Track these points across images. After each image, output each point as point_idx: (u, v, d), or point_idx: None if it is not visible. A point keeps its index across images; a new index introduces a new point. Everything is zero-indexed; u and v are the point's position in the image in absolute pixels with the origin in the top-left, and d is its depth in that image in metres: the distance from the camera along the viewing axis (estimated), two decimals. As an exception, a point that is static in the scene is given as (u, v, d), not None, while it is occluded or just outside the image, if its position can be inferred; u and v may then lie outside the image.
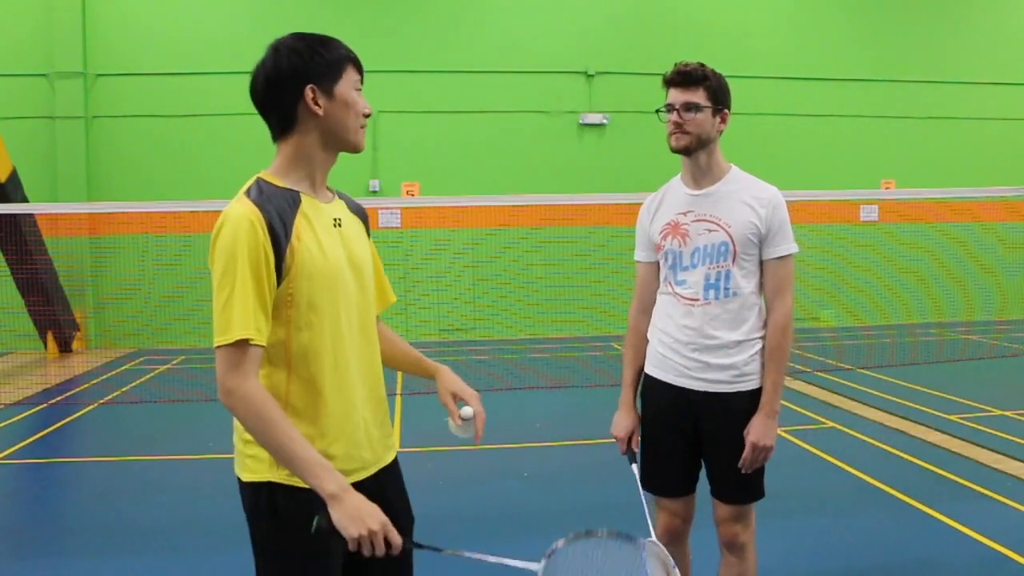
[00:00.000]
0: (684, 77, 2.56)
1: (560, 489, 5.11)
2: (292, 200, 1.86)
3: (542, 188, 12.07)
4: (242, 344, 1.73)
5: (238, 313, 1.73)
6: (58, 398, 8.34)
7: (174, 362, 10.31)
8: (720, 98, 2.58)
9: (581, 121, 13.01)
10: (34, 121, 11.91)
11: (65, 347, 11.25)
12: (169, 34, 11.99)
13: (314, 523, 1.72)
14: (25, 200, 10.57)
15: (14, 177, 10.33)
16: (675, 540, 2.79)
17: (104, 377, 9.52)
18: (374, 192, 12.49)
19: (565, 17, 12.95)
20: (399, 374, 9.52)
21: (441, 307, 12.07)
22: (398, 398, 7.82)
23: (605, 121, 12.95)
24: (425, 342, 12.07)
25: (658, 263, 2.75)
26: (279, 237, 1.78)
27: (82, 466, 5.96)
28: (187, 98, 11.81)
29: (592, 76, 12.96)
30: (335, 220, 1.96)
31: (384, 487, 2.00)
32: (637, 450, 2.78)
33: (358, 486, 1.86)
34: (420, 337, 12.25)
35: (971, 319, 13.42)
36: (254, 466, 1.86)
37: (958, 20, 13.96)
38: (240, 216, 1.76)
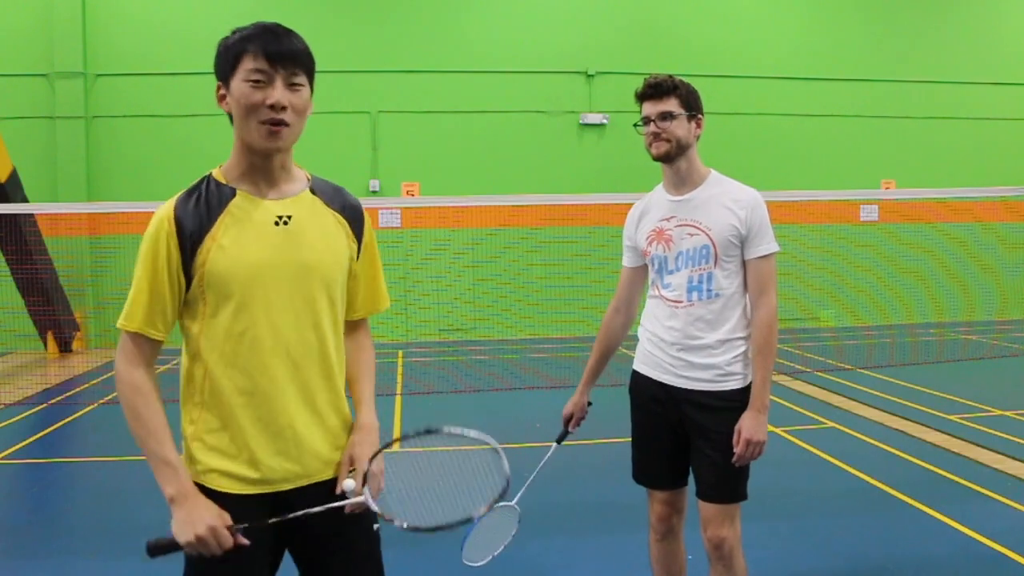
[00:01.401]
0: (656, 89, 2.67)
1: (560, 489, 5.10)
2: (224, 199, 1.84)
3: (542, 188, 12.07)
4: (128, 334, 1.82)
5: (128, 304, 1.82)
6: (58, 398, 8.34)
7: (174, 362, 10.24)
8: (692, 104, 2.69)
9: (581, 121, 13.01)
10: (34, 121, 11.91)
11: (65, 347, 11.25)
12: (169, 34, 11.99)
13: (152, 544, 1.74)
14: (25, 200, 10.58)
15: (14, 177, 10.33)
16: (669, 533, 2.87)
17: (104, 377, 9.52)
18: (374, 192, 12.49)
19: (565, 17, 12.95)
20: (399, 374, 9.53)
21: (441, 307, 12.08)
22: (398, 398, 7.82)
23: (605, 121, 12.95)
24: (425, 342, 12.08)
25: (642, 267, 2.88)
26: (187, 237, 1.79)
27: (82, 466, 5.96)
28: (187, 98, 11.81)
29: (592, 76, 12.96)
30: (280, 218, 1.86)
31: (328, 502, 1.86)
32: (571, 432, 3.00)
33: (290, 495, 1.86)
34: (420, 337, 12.26)
35: (971, 319, 13.42)
36: (185, 461, 1.89)
37: (958, 20, 13.96)
38: (157, 216, 1.82)
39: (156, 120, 12.14)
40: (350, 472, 1.91)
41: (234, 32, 1.83)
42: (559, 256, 12.02)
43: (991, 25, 14.03)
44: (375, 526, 1.98)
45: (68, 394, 8.53)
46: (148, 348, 1.84)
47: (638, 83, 2.76)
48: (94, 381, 9.29)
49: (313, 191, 1.94)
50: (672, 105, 2.66)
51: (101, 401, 8.10)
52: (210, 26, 11.83)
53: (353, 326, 2.12)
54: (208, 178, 1.89)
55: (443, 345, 11.83)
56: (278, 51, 1.76)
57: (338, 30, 12.44)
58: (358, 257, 2.02)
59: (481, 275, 12.04)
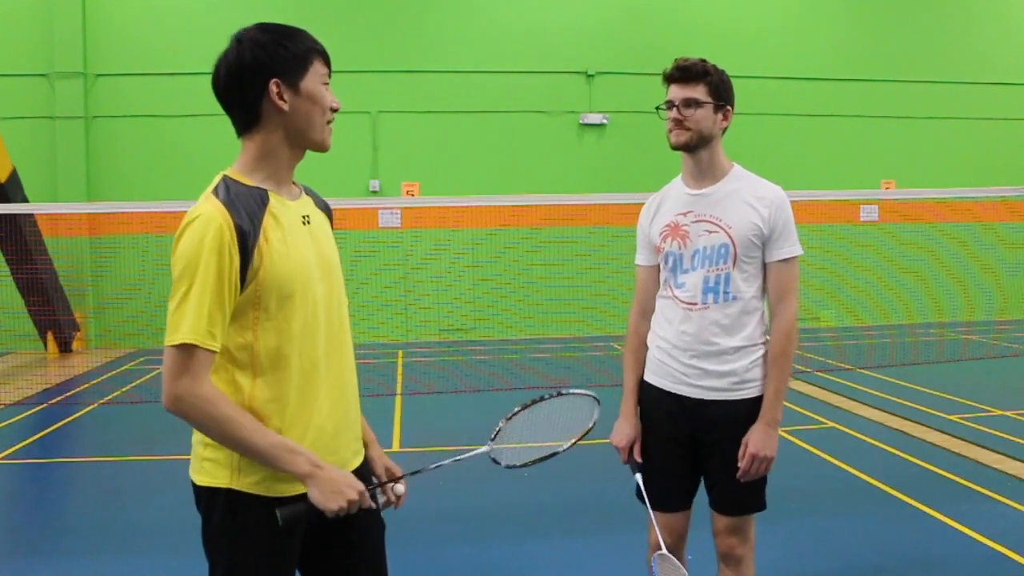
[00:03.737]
0: (684, 72, 2.47)
1: (560, 489, 5.10)
2: (260, 199, 1.80)
3: (542, 188, 12.07)
4: (190, 348, 1.69)
5: (191, 316, 1.69)
6: (58, 398, 8.34)
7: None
8: (722, 94, 2.49)
9: (581, 121, 13.01)
10: (34, 121, 11.91)
11: (65, 347, 11.25)
12: (169, 34, 11.99)
13: (278, 517, 1.73)
14: (25, 200, 10.58)
15: (14, 177, 10.33)
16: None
17: (104, 377, 9.52)
18: (374, 192, 12.49)
19: (565, 17, 12.95)
20: (399, 374, 9.52)
21: (441, 307, 12.08)
22: (398, 398, 7.81)
23: (605, 121, 12.95)
24: (425, 342, 12.08)
25: (658, 266, 2.66)
26: (247, 239, 1.74)
27: (82, 466, 5.96)
28: (187, 98, 11.80)
29: (592, 76, 12.96)
30: (304, 217, 1.89)
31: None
32: (640, 460, 2.68)
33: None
34: (420, 337, 12.26)
35: (971, 319, 13.42)
36: (213, 470, 1.81)
37: (958, 20, 13.96)
38: (209, 217, 1.71)
39: (156, 120, 12.14)
40: (393, 480, 2.04)
41: (280, 32, 1.84)
42: (559, 256, 12.02)
43: (991, 25, 14.03)
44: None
45: (68, 394, 8.53)
46: (206, 361, 1.72)
47: (638, 83, 2.66)
48: (94, 381, 9.29)
49: (306, 192, 2.00)
50: (699, 92, 2.45)
51: (101, 401, 8.10)
52: (210, 26, 11.88)
53: None
54: (227, 180, 1.82)
55: (443, 345, 11.83)
56: (330, 61, 1.90)
57: (338, 30, 12.43)
58: None
59: (481, 275, 12.04)
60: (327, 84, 1.87)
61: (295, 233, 1.84)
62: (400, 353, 11.01)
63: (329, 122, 1.87)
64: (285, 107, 1.80)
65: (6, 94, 11.82)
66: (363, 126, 12.50)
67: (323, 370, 1.88)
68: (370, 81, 12.46)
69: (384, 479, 2.04)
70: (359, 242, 11.47)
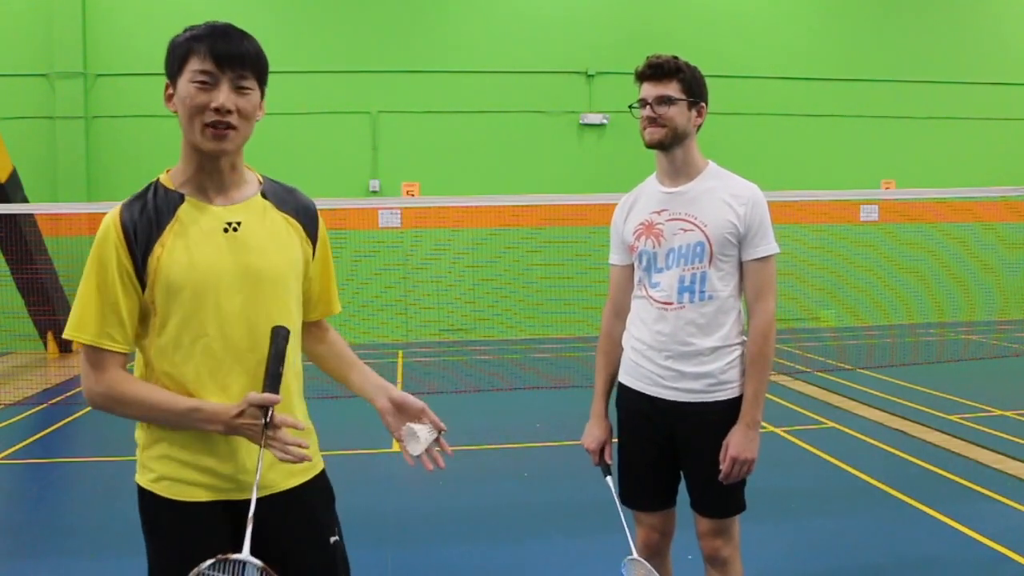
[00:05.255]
0: (656, 70, 2.44)
1: (560, 489, 5.11)
2: (172, 205, 1.77)
3: (542, 188, 12.07)
4: (87, 347, 1.75)
5: (80, 316, 1.75)
6: (58, 398, 8.35)
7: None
8: (695, 91, 2.46)
9: (581, 121, 13.01)
10: (34, 121, 11.91)
11: (65, 347, 11.25)
12: (169, 34, 11.78)
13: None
14: (25, 200, 10.58)
15: (14, 177, 10.33)
16: (655, 555, 2.68)
17: (104, 377, 9.51)
18: (374, 192, 12.48)
19: (565, 17, 12.95)
20: (399, 374, 9.52)
21: (442, 308, 12.07)
22: (398, 398, 7.78)
23: (605, 121, 12.94)
24: (426, 342, 12.07)
25: (632, 266, 2.63)
26: (137, 246, 1.72)
27: (82, 466, 5.96)
28: (187, 98, 11.78)
29: (592, 76, 12.96)
30: (229, 224, 1.79)
31: (283, 515, 1.87)
32: (611, 462, 2.68)
33: (237, 505, 1.81)
34: (421, 337, 12.26)
35: (972, 319, 13.42)
36: (140, 469, 1.89)
37: (958, 20, 13.96)
38: (105, 223, 1.75)
39: (156, 120, 12.10)
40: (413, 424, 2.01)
41: (185, 30, 1.80)
42: (560, 257, 12.02)
43: (991, 25, 14.03)
44: (332, 539, 1.96)
45: (68, 394, 8.53)
46: (113, 359, 1.76)
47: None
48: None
49: (264, 195, 1.88)
50: (672, 89, 2.43)
51: (101, 401, 8.09)
52: (210, 26, 11.88)
53: (319, 329, 2.10)
54: (155, 184, 1.81)
55: (444, 345, 11.83)
56: (226, 52, 1.72)
57: (338, 30, 12.45)
58: (313, 257, 1.96)
59: (482, 275, 12.04)
60: (204, 82, 1.71)
61: (206, 241, 1.76)
62: (400, 353, 11.01)
63: (210, 124, 1.71)
64: (173, 109, 1.78)
65: (6, 94, 11.82)
66: (363, 126, 12.50)
67: (235, 384, 1.78)
68: (370, 81, 12.46)
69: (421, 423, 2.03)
70: (359, 242, 11.48)
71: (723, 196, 2.47)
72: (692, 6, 13.20)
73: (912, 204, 13.20)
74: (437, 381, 8.78)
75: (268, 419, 1.72)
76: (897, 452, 5.80)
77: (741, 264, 2.50)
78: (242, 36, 1.76)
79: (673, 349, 2.49)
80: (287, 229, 1.89)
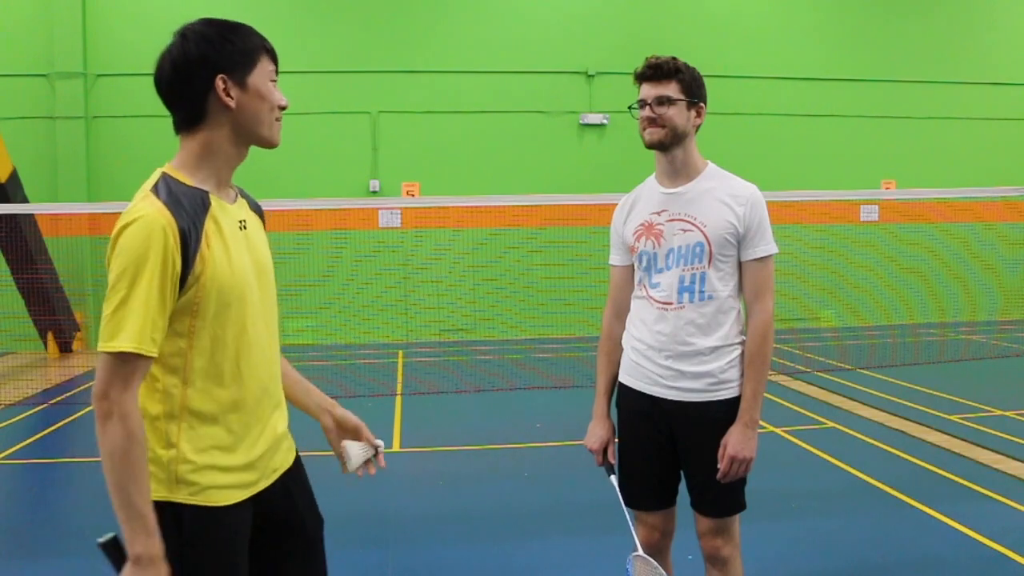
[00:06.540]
0: (655, 71, 2.46)
1: (560, 489, 5.11)
2: (202, 202, 1.74)
3: (542, 188, 12.08)
4: (129, 356, 1.62)
5: (132, 322, 1.61)
6: (58, 398, 8.34)
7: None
8: (694, 91, 2.48)
9: (581, 121, 13.01)
10: (34, 121, 11.91)
11: (65, 348, 11.25)
12: (169, 34, 11.93)
13: (108, 538, 1.65)
14: (25, 200, 10.58)
15: (14, 177, 10.33)
16: (655, 554, 2.66)
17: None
18: (374, 192, 12.48)
19: (565, 17, 12.95)
20: (399, 374, 9.52)
21: (442, 308, 12.07)
22: (398, 398, 7.81)
23: (605, 121, 12.95)
24: (426, 342, 12.08)
25: (632, 266, 2.65)
26: (189, 244, 1.67)
27: (82, 466, 5.96)
28: (187, 98, 11.79)
29: (592, 76, 12.96)
30: (240, 223, 1.84)
31: (290, 489, 1.97)
32: (614, 461, 2.70)
33: (265, 493, 1.86)
34: (421, 337, 12.26)
35: (973, 319, 13.42)
36: (153, 485, 1.72)
37: (958, 20, 13.96)
38: (152, 219, 1.63)
39: (156, 120, 11.94)
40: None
41: (225, 26, 1.83)
42: (560, 257, 12.02)
43: (991, 25, 14.03)
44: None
45: (68, 394, 8.53)
46: (143, 369, 1.66)
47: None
48: (94, 381, 9.29)
49: (241, 194, 1.94)
50: (672, 90, 2.44)
51: (101, 401, 8.09)
52: (210, 26, 11.88)
53: None
54: (169, 179, 1.74)
55: (445, 345, 11.83)
56: (277, 58, 1.87)
57: (338, 30, 12.45)
58: None
59: (482, 276, 12.04)
60: (274, 81, 1.83)
61: (234, 239, 1.79)
62: (400, 353, 11.01)
63: (278, 119, 1.83)
64: (232, 103, 1.76)
65: (6, 94, 11.82)
66: (363, 126, 12.50)
67: (264, 376, 1.86)
68: (370, 81, 12.46)
69: (360, 435, 2.12)
70: (360, 242, 11.48)
71: (722, 196, 2.48)
72: (692, 7, 13.21)
73: (912, 204, 13.20)
74: (438, 381, 8.77)
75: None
76: (897, 452, 5.80)
77: (740, 264, 2.51)
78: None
79: (673, 349, 2.50)
80: (261, 227, 1.99)
